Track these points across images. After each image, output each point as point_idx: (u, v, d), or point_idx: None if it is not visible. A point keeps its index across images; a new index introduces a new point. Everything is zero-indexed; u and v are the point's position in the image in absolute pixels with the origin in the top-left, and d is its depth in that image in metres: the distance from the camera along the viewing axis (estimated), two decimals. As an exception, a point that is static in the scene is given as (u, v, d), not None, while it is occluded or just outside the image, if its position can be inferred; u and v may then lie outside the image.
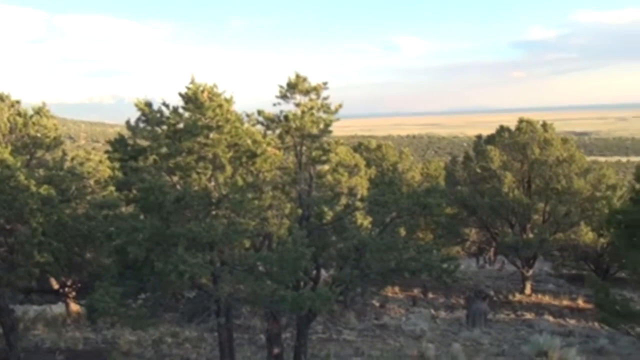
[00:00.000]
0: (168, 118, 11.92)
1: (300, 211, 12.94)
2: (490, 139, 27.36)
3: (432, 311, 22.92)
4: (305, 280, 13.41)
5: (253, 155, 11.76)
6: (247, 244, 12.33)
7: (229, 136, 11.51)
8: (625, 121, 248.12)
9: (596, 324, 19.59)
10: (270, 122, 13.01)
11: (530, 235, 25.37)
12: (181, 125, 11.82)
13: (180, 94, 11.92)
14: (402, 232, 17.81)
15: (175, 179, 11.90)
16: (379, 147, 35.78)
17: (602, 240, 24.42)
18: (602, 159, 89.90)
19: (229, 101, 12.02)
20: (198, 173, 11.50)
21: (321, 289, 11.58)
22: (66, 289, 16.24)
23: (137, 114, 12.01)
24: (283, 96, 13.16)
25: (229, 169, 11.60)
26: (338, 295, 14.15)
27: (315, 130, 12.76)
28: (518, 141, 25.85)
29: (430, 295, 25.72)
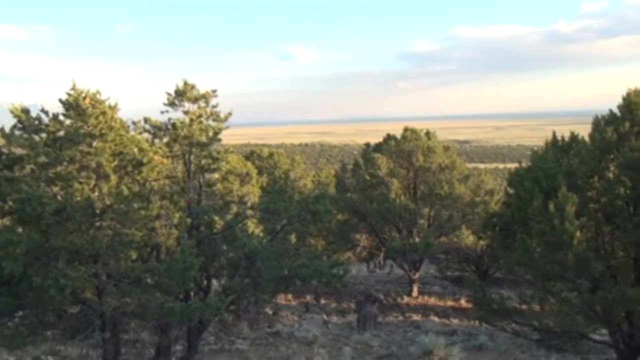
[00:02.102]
0: (47, 125, 11.37)
1: (189, 221, 12.74)
2: (378, 147, 28.19)
3: (325, 316, 23.21)
4: (195, 291, 13.21)
5: (139, 164, 11.45)
6: (134, 255, 11.96)
7: (114, 144, 11.15)
8: (502, 130, 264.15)
9: (477, 322, 20.61)
10: (157, 130, 12.75)
11: (417, 240, 26.35)
12: (62, 133, 11.31)
13: (61, 101, 11.40)
14: (293, 239, 17.93)
15: (56, 189, 11.35)
16: (271, 155, 35.91)
17: (481, 242, 25.76)
18: (482, 165, 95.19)
19: (113, 108, 11.64)
20: (80, 183, 11.03)
21: (211, 299, 11.45)
22: None
23: (13, 120, 11.39)
24: (171, 104, 12.95)
25: (113, 178, 11.22)
26: (229, 304, 14.05)
27: (204, 139, 12.63)
28: (403, 149, 26.81)
29: (323, 301, 26.04)
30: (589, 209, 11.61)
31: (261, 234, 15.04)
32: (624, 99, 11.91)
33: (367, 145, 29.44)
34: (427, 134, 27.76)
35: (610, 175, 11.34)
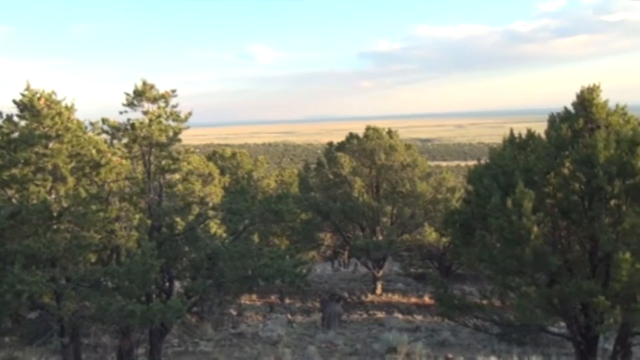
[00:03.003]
0: (1, 127, 11.10)
1: (150, 222, 12.59)
2: (341, 146, 28.29)
3: (289, 316, 23.20)
4: (156, 293, 13.05)
5: (97, 166, 11.27)
6: (93, 258, 11.77)
7: (70, 145, 10.96)
8: (463, 128, 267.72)
9: (440, 318, 20.85)
10: (116, 130, 12.55)
11: (380, 238, 26.52)
12: (16, 135, 11.06)
13: (15, 101, 11.16)
14: (256, 239, 17.87)
15: (11, 192, 11.10)
16: (233, 155, 35.68)
17: (443, 239, 26.08)
18: (444, 163, 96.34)
19: (69, 109, 11.44)
20: (36, 185, 10.81)
21: (173, 301, 11.34)
22: None
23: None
24: (130, 104, 12.76)
25: (70, 180, 11.02)
26: (192, 306, 13.93)
27: (163, 139, 12.48)
28: (366, 148, 26.96)
29: (288, 301, 26.02)
30: (546, 205, 11.85)
31: (224, 235, 14.95)
32: (578, 96, 12.19)
33: (330, 144, 29.51)
34: (389, 132, 27.98)
35: (566, 171, 11.59)
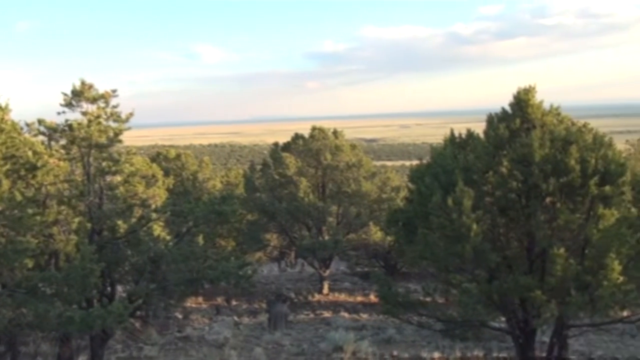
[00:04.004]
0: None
1: (90, 225, 12.30)
2: (287, 147, 28.33)
3: (236, 318, 23.04)
4: (98, 298, 12.77)
5: (33, 168, 10.95)
6: (30, 263, 11.38)
7: (5, 147, 10.61)
8: (407, 128, 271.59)
9: (386, 316, 21.11)
10: (53, 131, 12.22)
11: (326, 237, 26.67)
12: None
13: (-56, 102, 10.72)
14: (201, 241, 17.67)
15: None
16: (178, 156, 35.12)
17: (389, 238, 26.41)
18: (389, 163, 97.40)
19: (4, 109, 11.08)
20: (-32, 189, 10.41)
21: (114, 306, 11.11)
22: None
23: None
24: (68, 104, 12.46)
25: (5, 183, 10.65)
26: (135, 310, 13.68)
27: (103, 140, 12.23)
28: (311, 148, 27.08)
29: (234, 303, 25.85)
30: (485, 203, 12.15)
31: (167, 237, 14.74)
32: (515, 97, 12.54)
33: (276, 144, 29.51)
34: (335, 132, 28.17)
35: (504, 169, 11.90)
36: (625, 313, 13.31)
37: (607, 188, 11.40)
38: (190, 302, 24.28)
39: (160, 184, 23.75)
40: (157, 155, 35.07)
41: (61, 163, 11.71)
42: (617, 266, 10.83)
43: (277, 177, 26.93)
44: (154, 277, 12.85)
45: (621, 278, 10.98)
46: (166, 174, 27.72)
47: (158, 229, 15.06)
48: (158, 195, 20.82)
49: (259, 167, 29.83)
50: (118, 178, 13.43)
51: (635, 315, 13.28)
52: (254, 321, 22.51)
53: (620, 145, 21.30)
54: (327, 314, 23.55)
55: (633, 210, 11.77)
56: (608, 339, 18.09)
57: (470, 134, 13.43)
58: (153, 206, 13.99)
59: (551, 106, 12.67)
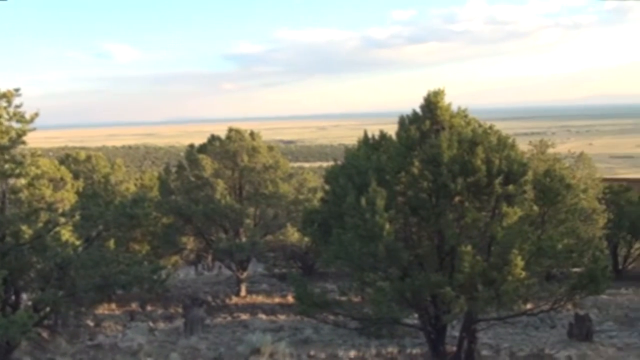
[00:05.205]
0: None
1: (-9, 231, 11.71)
2: (203, 148, 27.90)
3: (151, 323, 22.48)
4: (0, 307, 12.16)
5: None
6: None
7: None
8: (325, 130, 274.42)
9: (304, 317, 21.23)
10: (-52, 133, 11.54)
11: (243, 239, 26.49)
12: None
13: None
14: (112, 245, 17.16)
15: None
16: (88, 158, 33.89)
17: (306, 239, 26.56)
18: (307, 164, 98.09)
19: None
20: None
21: (17, 315, 10.61)
22: None
23: None
24: (-34, 104, 11.79)
25: None
26: (42, 319, 13.12)
27: (5, 141, 11.67)
28: (228, 149, 26.83)
29: (149, 308, 25.19)
30: (397, 202, 12.49)
31: (76, 242, 14.23)
32: (425, 99, 12.98)
33: (192, 146, 29.01)
34: (252, 134, 28.03)
35: (415, 170, 12.27)
36: (529, 306, 14.01)
37: (511, 187, 11.98)
38: (102, 309, 23.48)
39: (69, 187, 22.91)
40: (66, 158, 33.72)
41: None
42: (520, 262, 11.41)
43: (193, 179, 26.48)
44: (62, 284, 12.38)
45: (524, 273, 11.57)
46: (76, 176, 26.75)
47: (66, 234, 14.50)
48: (67, 198, 20.07)
49: (174, 169, 29.23)
50: (22, 181, 12.87)
51: (537, 308, 14.00)
52: (170, 326, 22.05)
53: (523, 146, 22.44)
54: (244, 317, 23.38)
55: (535, 208, 12.44)
56: (514, 332, 18.95)
57: (383, 136, 13.77)
58: (61, 210, 13.47)
59: (459, 108, 13.18)
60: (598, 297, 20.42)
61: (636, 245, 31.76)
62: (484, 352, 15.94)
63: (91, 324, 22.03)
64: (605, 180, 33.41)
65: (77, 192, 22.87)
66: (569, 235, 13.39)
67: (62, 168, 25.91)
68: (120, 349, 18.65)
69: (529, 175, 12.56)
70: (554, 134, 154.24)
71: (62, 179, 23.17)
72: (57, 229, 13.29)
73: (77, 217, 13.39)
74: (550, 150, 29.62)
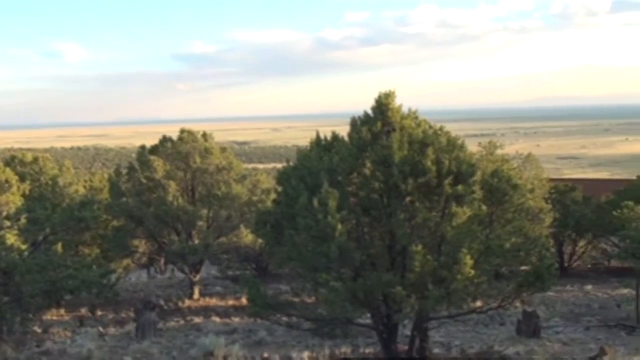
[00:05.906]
0: None
1: None
2: (155, 150, 27.53)
3: (101, 329, 22.02)
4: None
5: None
6: None
7: None
8: (279, 131, 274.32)
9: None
10: None
11: (196, 242, 26.26)
12: None
13: None
14: (61, 249, 16.76)
15: None
16: (35, 160, 33.04)
17: (259, 241, 26.49)
18: (260, 166, 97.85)
19: None
20: None
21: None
22: None
23: None
24: None
25: None
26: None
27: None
28: (181, 151, 26.56)
29: (100, 313, 24.68)
30: (350, 203, 12.57)
31: (22, 246, 13.86)
32: (377, 101, 13.10)
33: (143, 147, 28.57)
34: (204, 135, 27.82)
35: (367, 171, 12.39)
36: (478, 304, 14.30)
37: (460, 187, 12.22)
38: (50, 315, 22.91)
39: (14, 190, 22.30)
40: (12, 160, 32.82)
41: None
42: (469, 261, 11.64)
43: (144, 181, 26.09)
44: (7, 290, 12.04)
45: (473, 272, 11.81)
46: (22, 179, 26.05)
47: (12, 238, 14.12)
48: (12, 201, 19.54)
49: (125, 171, 28.75)
50: (-36, 184, 12.44)
51: (487, 306, 14.30)
52: (121, 331, 21.65)
53: (473, 147, 22.91)
54: (198, 320, 23.16)
55: (484, 208, 12.71)
56: (464, 329, 19.36)
57: (335, 137, 13.83)
58: (5, 213, 13.10)
59: (410, 110, 13.36)
60: (545, 295, 20.98)
61: (581, 244, 32.80)
62: (436, 350, 16.23)
63: (39, 330, 21.43)
64: (551, 180, 34.44)
65: (24, 195, 22.26)
66: (517, 235, 13.76)
67: (8, 170, 25.18)
68: (70, 355, 18.23)
69: (478, 176, 12.83)
70: (503, 136, 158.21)
71: (7, 181, 22.54)
72: (2, 233, 12.93)
73: (24, 221, 13.07)
74: (499, 152, 30.35)
